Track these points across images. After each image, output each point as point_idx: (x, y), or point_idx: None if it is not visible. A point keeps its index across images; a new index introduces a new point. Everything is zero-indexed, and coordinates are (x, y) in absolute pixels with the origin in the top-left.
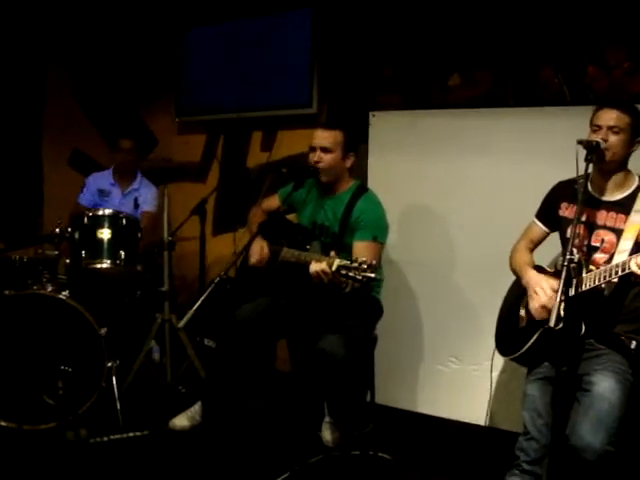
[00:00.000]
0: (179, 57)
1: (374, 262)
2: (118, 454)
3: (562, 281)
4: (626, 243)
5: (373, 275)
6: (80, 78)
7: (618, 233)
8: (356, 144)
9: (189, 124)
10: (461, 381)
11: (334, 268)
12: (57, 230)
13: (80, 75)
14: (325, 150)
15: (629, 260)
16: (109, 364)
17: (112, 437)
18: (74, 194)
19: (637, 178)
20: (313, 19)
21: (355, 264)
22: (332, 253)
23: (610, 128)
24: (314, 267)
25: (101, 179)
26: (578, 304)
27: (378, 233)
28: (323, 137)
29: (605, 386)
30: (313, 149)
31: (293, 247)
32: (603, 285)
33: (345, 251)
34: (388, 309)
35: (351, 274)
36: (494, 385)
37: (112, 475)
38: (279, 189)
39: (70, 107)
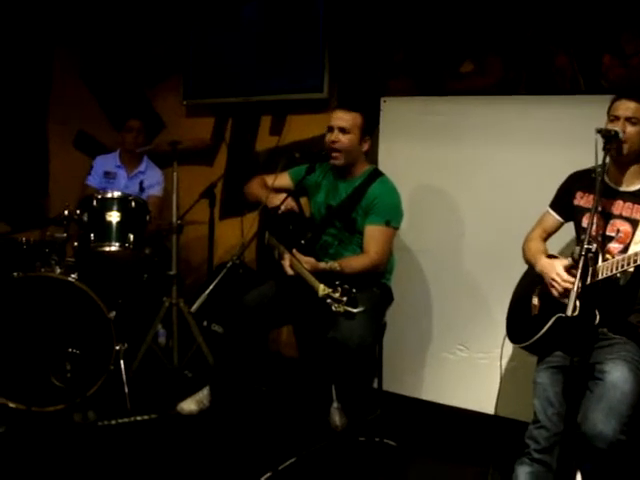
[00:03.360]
0: (187, 39)
1: (374, 249)
2: (126, 437)
3: (580, 270)
4: None
5: (355, 311)
6: (87, 59)
7: (634, 223)
8: (372, 129)
9: (197, 107)
10: (469, 369)
11: (320, 294)
12: (65, 212)
13: (87, 56)
14: (343, 131)
15: None
16: (117, 347)
17: (120, 420)
18: (79, 176)
19: None
20: (325, 2)
21: (337, 294)
22: (328, 264)
23: (628, 119)
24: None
25: (107, 161)
26: (593, 293)
27: (392, 218)
28: (342, 118)
29: (618, 375)
30: (331, 129)
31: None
32: (619, 274)
33: (356, 233)
34: (397, 296)
35: (334, 308)
36: (503, 374)
37: (120, 458)
38: (289, 170)
39: (77, 88)
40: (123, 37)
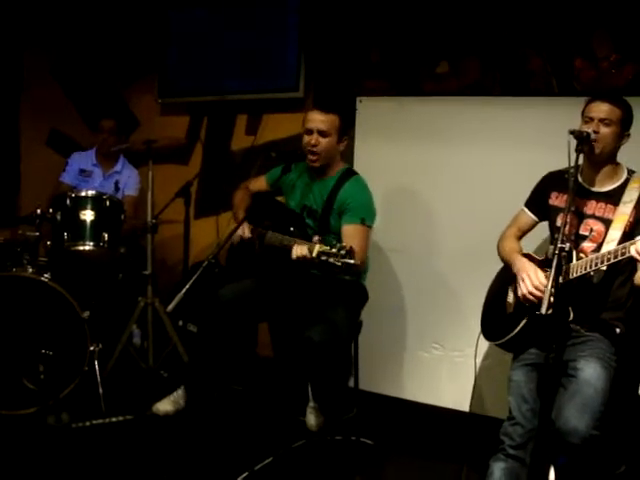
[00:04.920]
0: (163, 37)
1: (360, 248)
2: (100, 439)
3: (554, 269)
4: (614, 233)
5: (352, 261)
6: (59, 57)
7: (607, 223)
8: (348, 128)
9: (172, 105)
10: (444, 367)
11: (314, 254)
12: (38, 211)
13: (59, 54)
14: (322, 134)
15: (629, 245)
16: (91, 348)
17: (94, 422)
18: (52, 174)
19: (626, 170)
20: (301, 2)
21: (334, 250)
22: (315, 238)
23: (601, 120)
24: (295, 252)
25: (83, 158)
26: (567, 291)
27: (366, 216)
28: (321, 120)
29: (590, 372)
30: (310, 132)
31: (278, 230)
32: (592, 273)
33: (331, 234)
34: (372, 295)
35: (331, 260)
36: (478, 371)
37: (94, 461)
38: (266, 172)
39: (49, 87)
40: (98, 36)
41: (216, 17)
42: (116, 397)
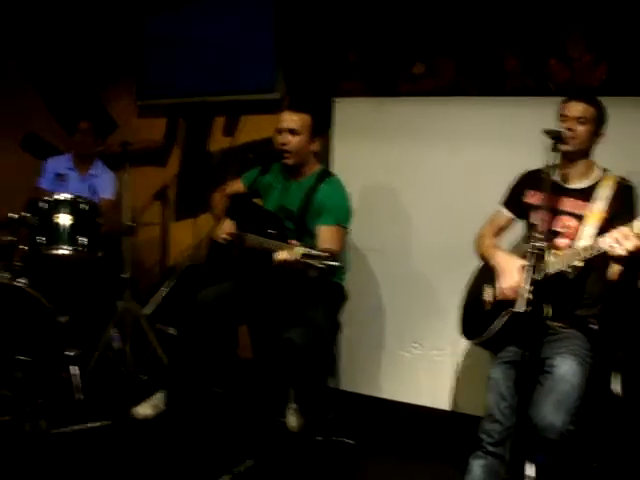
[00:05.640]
0: (141, 39)
1: (336, 249)
2: (79, 445)
3: (529, 266)
4: (588, 229)
5: (336, 263)
6: (35, 60)
7: (581, 219)
8: (322, 129)
9: (150, 107)
10: (423, 366)
11: (297, 257)
12: (14, 215)
13: (34, 57)
14: (293, 132)
15: (603, 240)
16: (69, 353)
17: (73, 428)
18: (27, 178)
19: (600, 169)
20: (276, 2)
21: (317, 252)
22: (293, 241)
23: (577, 119)
24: (278, 256)
25: (58, 163)
26: (544, 288)
27: (342, 218)
28: (291, 119)
29: (566, 368)
30: (280, 131)
31: (256, 232)
32: (569, 269)
33: (308, 235)
34: (350, 295)
35: (313, 262)
36: (457, 370)
37: (74, 467)
38: (243, 174)
39: (24, 91)
40: (74, 39)
41: (193, 19)
42: (95, 402)
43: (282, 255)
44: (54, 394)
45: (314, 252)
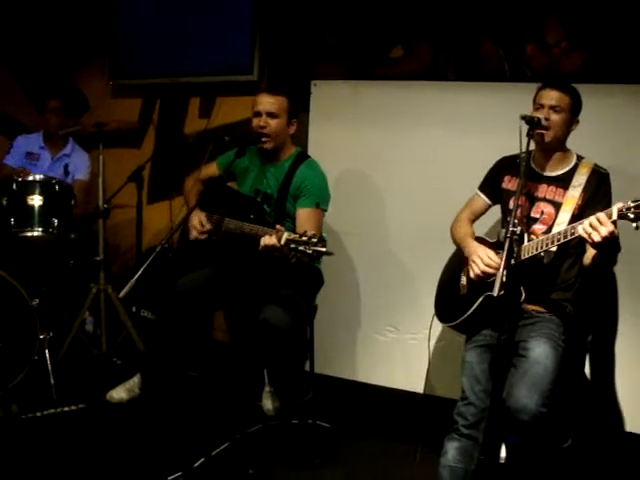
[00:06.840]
0: (114, 16)
1: (316, 233)
2: (52, 430)
3: (505, 251)
4: (564, 215)
5: (324, 249)
6: (4, 38)
7: (557, 206)
8: (298, 111)
9: (124, 87)
10: (398, 350)
11: (282, 242)
12: None
13: (4, 35)
14: (271, 115)
15: (578, 225)
16: (41, 336)
17: (46, 412)
18: None
19: (575, 156)
20: None
21: (304, 238)
22: (278, 226)
23: (552, 107)
24: (264, 241)
25: (30, 141)
26: (518, 272)
27: (320, 200)
28: (269, 102)
29: (540, 351)
30: (258, 114)
31: (235, 217)
32: (542, 254)
33: (286, 218)
34: (326, 278)
35: (300, 248)
36: (431, 353)
37: (47, 452)
38: (218, 157)
39: None
40: (45, 17)
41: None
42: (68, 386)
43: (269, 240)
44: (26, 378)
45: (301, 238)
